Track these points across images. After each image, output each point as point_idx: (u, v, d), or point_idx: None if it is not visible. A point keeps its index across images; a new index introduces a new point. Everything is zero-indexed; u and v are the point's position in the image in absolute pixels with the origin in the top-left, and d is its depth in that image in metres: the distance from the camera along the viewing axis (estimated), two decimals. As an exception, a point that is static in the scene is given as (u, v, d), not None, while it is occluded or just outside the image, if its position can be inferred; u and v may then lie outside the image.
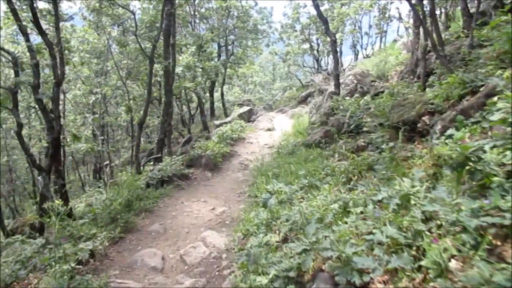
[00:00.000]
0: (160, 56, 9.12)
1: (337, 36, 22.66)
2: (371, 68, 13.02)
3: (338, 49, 27.36)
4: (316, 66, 29.78)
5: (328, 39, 24.82)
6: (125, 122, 22.75)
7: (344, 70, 17.56)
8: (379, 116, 7.00)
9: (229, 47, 25.95)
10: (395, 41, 23.24)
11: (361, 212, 3.60)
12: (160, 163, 9.43)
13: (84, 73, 15.20)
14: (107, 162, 20.82)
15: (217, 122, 18.04)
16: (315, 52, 28.71)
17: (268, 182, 6.41)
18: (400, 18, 22.98)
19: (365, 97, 10.29)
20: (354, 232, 3.19)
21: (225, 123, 17.12)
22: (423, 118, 5.83)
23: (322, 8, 29.04)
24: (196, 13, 24.41)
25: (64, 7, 16.61)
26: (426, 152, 4.94)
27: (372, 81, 12.34)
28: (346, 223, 3.44)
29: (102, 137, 14.65)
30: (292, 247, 3.13)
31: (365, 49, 29.18)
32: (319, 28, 27.11)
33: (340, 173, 5.44)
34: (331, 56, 29.51)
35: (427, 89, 7.15)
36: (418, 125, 5.81)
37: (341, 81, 12.44)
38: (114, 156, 24.65)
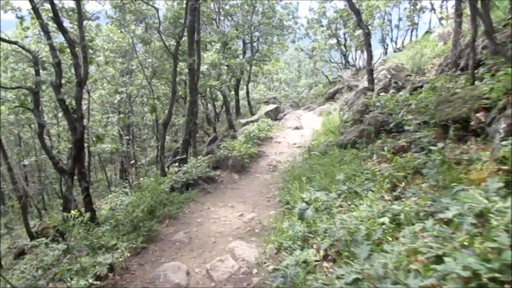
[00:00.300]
0: (185, 53, 8.75)
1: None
2: (405, 61, 12.22)
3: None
4: (343, 62, 28.88)
5: (357, 32, 24.02)
6: (151, 121, 22.76)
7: (374, 64, 16.74)
8: (423, 113, 6.35)
9: (254, 44, 25.49)
10: (428, 32, 22.13)
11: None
12: (185, 165, 9.09)
13: (110, 73, 15.11)
14: (134, 161, 20.87)
15: (243, 121, 17.63)
16: (342, 47, 27.84)
17: (301, 187, 5.91)
18: (433, 9, 21.89)
19: (402, 93, 9.62)
20: (414, 255, 2.64)
21: (252, 121, 16.69)
22: (477, 115, 5.16)
23: (338, 7, 28.21)
24: (221, 10, 24.09)
25: (91, 7, 16.56)
26: (487, 154, 4.30)
27: (407, 75, 11.57)
28: (401, 242, 2.90)
29: (128, 137, 14.51)
30: (340, 273, 2.63)
31: (395, 42, 28.12)
32: (347, 22, 26.28)
33: (383, 178, 4.86)
34: (359, 51, 28.56)
35: (476, 82, 6.45)
36: (471, 123, 5.15)
37: (376, 75, 11.76)
38: (140, 155, 24.76)
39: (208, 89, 18.15)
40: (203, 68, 16.46)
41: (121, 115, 12.73)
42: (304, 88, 47.19)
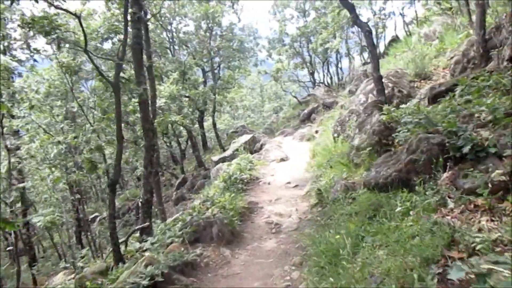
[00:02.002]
0: (131, 81, 6.21)
1: (336, 41, 20.19)
2: (402, 66, 10.30)
3: (341, 54, 24.81)
4: (312, 80, 27.24)
5: (328, 45, 22.46)
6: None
7: (367, 73, 14.80)
8: (506, 126, 4.17)
9: (216, 71, 23.33)
10: (395, 40, 20.88)
11: None
12: (148, 239, 6.39)
13: (45, 119, 12.20)
14: (95, 215, 17.60)
15: (215, 158, 15.06)
16: (308, 65, 26.24)
17: (331, 273, 3.46)
18: (401, 14, 20.67)
19: (419, 103, 7.54)
20: None
21: (226, 158, 14.17)
22: None
23: (309, 18, 26.87)
24: (175, 39, 21.83)
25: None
26: None
27: (411, 81, 9.61)
28: None
29: (74, 198, 11.53)
30: None
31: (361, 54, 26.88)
32: (310, 38, 24.81)
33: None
34: (325, 67, 27.10)
35: None
36: None
37: (370, 87, 9.70)
38: (103, 206, 21.35)
39: (170, 125, 15.53)
40: (161, 102, 13.95)
41: (57, 174, 9.82)
42: (269, 112, 45.57)
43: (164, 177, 23.00)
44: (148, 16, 9.47)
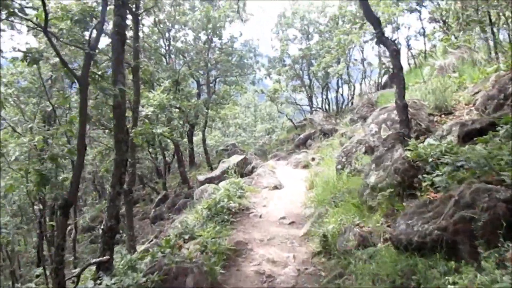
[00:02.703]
0: (105, 78, 4.96)
1: (341, 65, 19.31)
2: (419, 97, 9.26)
3: (336, 82, 23.91)
4: (310, 104, 26.28)
5: (330, 69, 21.56)
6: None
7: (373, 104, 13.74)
8: None
9: (211, 85, 22.24)
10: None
11: None
12: (105, 275, 5.05)
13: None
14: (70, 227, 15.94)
15: (201, 178, 13.72)
16: (307, 88, 25.33)
17: None
18: (408, 46, 19.93)
19: (447, 139, 6.44)
20: None
21: (213, 179, 12.87)
22: None
23: (312, 41, 26.09)
24: (172, 47, 20.74)
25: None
26: None
27: (430, 114, 8.55)
28: None
29: (33, 209, 10.03)
30: None
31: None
32: (311, 61, 23.98)
33: None
34: (324, 93, 26.21)
35: None
36: None
37: (384, 116, 8.61)
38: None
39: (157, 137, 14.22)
40: (148, 110, 12.69)
41: (10, 182, 8.33)
42: (261, 133, 44.58)
43: (145, 191, 21.49)
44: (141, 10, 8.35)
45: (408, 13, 18.09)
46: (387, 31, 19.87)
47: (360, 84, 26.35)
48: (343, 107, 23.88)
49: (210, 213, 7.48)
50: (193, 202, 13.25)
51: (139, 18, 8.50)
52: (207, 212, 7.57)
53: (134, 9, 8.44)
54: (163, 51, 20.18)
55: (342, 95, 23.80)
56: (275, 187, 10.51)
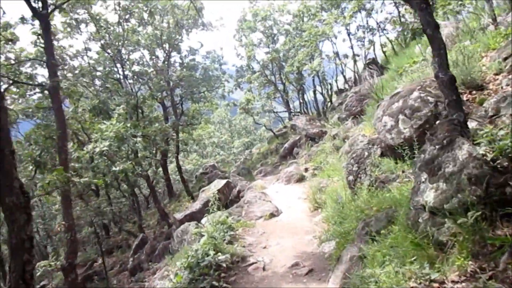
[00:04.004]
0: None
1: (316, 61, 17.50)
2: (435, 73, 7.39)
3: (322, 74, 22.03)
4: (287, 110, 24.40)
5: (292, 75, 19.76)
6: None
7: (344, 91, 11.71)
8: None
9: (177, 105, 20.04)
10: (374, 61, 18.62)
11: None
12: None
13: None
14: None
15: (179, 215, 11.40)
16: (282, 93, 23.46)
17: None
18: (381, 28, 18.36)
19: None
20: None
21: (194, 214, 10.63)
22: None
23: (278, 44, 24.28)
24: (127, 71, 18.41)
25: None
26: None
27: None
28: None
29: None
30: None
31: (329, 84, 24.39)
32: (282, 65, 22.18)
33: None
34: (300, 95, 24.40)
35: None
36: None
37: (398, 104, 6.64)
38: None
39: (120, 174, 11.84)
40: (103, 145, 10.47)
41: None
42: (240, 148, 42.57)
43: (121, 236, 18.86)
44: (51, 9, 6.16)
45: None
46: (360, 17, 18.35)
47: (336, 80, 24.80)
48: (324, 107, 22.08)
49: (193, 275, 5.25)
50: (173, 245, 10.97)
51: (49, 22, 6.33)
52: (188, 274, 5.35)
53: (40, 8, 6.12)
54: (116, 75, 17.87)
55: (322, 93, 22.00)
56: (272, 215, 8.38)
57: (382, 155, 6.70)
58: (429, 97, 6.16)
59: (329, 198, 7.45)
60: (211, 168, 21.85)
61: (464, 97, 6.60)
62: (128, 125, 11.35)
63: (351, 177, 6.95)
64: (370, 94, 9.67)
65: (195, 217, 10.49)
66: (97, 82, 17.69)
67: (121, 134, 11.26)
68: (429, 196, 3.78)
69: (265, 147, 25.20)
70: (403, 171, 6.04)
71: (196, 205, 11.16)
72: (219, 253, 5.60)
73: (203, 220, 9.21)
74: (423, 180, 3.95)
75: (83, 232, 16.51)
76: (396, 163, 6.26)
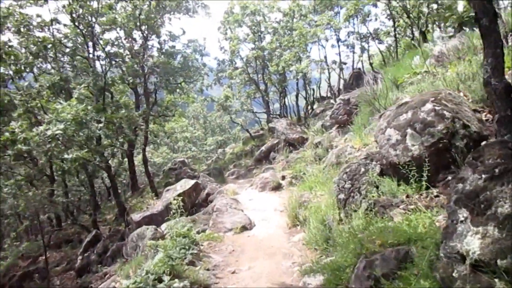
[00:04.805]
0: None
1: (304, 62, 16.51)
2: (445, 86, 6.47)
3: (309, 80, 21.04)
4: (268, 111, 23.33)
5: (276, 76, 18.67)
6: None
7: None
8: None
9: (152, 94, 18.59)
10: (359, 74, 17.90)
11: None
12: None
13: None
14: None
15: (137, 217, 10.05)
16: (264, 93, 22.37)
17: None
18: (375, 38, 17.65)
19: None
20: None
21: (153, 216, 9.35)
22: None
23: (264, 42, 23.15)
24: (100, 52, 16.78)
25: None
26: None
27: (474, 110, 5.78)
28: None
29: None
30: None
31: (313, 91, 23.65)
32: (266, 63, 21.10)
33: None
34: (282, 97, 23.41)
35: None
36: None
37: (407, 116, 5.65)
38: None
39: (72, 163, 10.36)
40: (56, 128, 9.05)
41: None
42: (213, 146, 41.23)
43: (73, 229, 17.13)
44: None
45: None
46: (352, 23, 17.52)
47: (319, 87, 24.00)
48: (306, 113, 21.16)
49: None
50: (127, 249, 9.63)
51: None
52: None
53: None
54: (88, 54, 16.20)
55: (306, 98, 21.07)
56: (244, 228, 7.25)
57: (382, 173, 5.70)
58: (445, 112, 5.20)
59: (312, 216, 6.39)
60: (180, 164, 20.45)
61: (483, 116, 5.73)
62: (89, 107, 9.92)
63: (342, 195, 5.91)
64: (371, 100, 8.60)
65: (155, 219, 9.22)
66: (65, 58, 16.03)
67: (80, 118, 9.83)
68: (473, 244, 2.76)
69: (240, 147, 24.06)
70: (407, 196, 5.05)
71: (158, 206, 9.86)
72: (176, 280, 4.41)
73: (163, 226, 7.97)
74: (462, 219, 2.93)
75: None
76: (399, 185, 5.27)
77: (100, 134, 10.92)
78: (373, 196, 5.24)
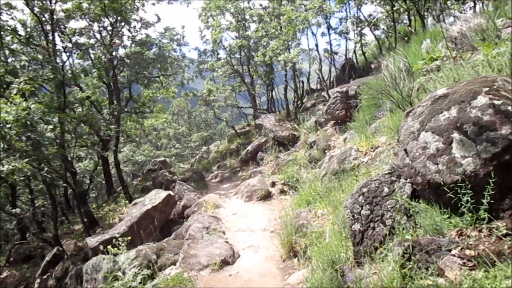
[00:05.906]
0: None
1: (295, 51, 14.75)
2: (488, 72, 4.83)
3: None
4: (253, 105, 21.50)
5: (262, 68, 16.85)
6: None
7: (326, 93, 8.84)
8: None
9: (124, 89, 16.68)
10: (353, 64, 16.24)
11: None
12: None
13: None
14: None
15: (93, 241, 8.19)
16: (249, 86, 20.55)
17: None
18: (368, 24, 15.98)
19: None
20: None
21: (113, 242, 7.53)
22: None
23: (249, 31, 21.28)
24: (64, 41, 14.71)
25: None
26: None
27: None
28: None
29: None
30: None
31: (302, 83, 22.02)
32: (251, 53, 19.29)
33: None
34: (269, 91, 21.64)
35: None
36: None
37: (451, 115, 3.95)
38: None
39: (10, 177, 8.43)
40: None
41: None
42: (197, 142, 39.49)
43: (36, 243, 15.12)
44: None
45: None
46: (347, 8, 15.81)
47: (308, 79, 22.32)
48: (295, 107, 19.43)
49: None
50: (84, 282, 7.82)
51: None
52: None
53: None
54: (46, 44, 14.12)
55: (295, 91, 19.33)
56: (224, 263, 5.52)
57: (415, 196, 4.02)
58: (509, 107, 3.53)
59: (315, 251, 4.71)
60: (160, 165, 18.70)
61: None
62: (33, 106, 8.01)
63: (357, 226, 4.23)
64: (386, 89, 6.70)
65: (116, 245, 7.39)
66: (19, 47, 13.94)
67: (22, 118, 7.93)
68: None
69: (225, 145, 22.28)
70: (460, 233, 3.40)
71: (120, 227, 8.05)
72: None
73: (121, 259, 6.18)
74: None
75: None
76: (448, 215, 3.61)
77: (49, 138, 9.01)
78: (410, 235, 3.57)
